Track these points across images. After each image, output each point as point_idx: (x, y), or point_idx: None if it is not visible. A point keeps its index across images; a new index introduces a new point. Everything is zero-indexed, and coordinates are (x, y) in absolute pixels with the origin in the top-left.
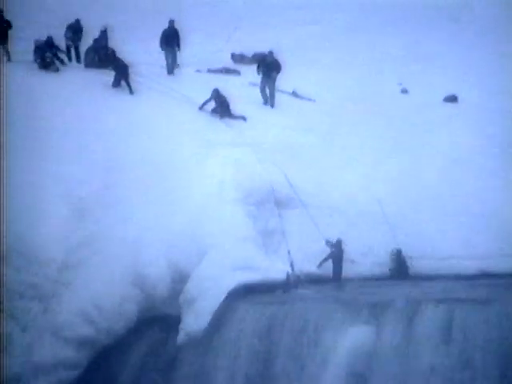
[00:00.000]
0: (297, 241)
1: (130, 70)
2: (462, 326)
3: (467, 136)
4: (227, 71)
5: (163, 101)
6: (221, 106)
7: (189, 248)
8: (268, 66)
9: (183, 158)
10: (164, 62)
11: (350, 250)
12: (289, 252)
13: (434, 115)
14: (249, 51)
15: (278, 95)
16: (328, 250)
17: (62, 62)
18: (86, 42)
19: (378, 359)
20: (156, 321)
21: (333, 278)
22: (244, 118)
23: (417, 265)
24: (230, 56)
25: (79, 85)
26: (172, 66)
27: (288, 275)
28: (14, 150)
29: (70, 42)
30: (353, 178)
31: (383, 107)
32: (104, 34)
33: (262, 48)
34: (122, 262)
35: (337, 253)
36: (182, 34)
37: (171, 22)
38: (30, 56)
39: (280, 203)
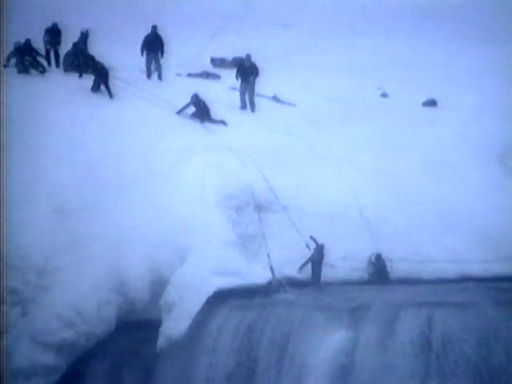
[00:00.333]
0: (277, 245)
1: (110, 74)
2: (441, 330)
3: (448, 139)
4: (207, 75)
5: (143, 106)
6: (201, 111)
7: (169, 252)
8: (246, 71)
9: (163, 162)
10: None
11: (329, 254)
12: (268, 256)
13: (414, 119)
14: (229, 55)
15: (258, 100)
16: (309, 254)
17: (41, 65)
18: (67, 46)
19: (358, 364)
20: (136, 324)
21: (312, 281)
22: (224, 123)
23: (397, 268)
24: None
25: (59, 89)
26: (159, 72)
27: (269, 280)
28: None
29: (49, 46)
30: (333, 182)
31: (363, 111)
32: (83, 37)
33: (243, 52)
34: (103, 266)
35: (317, 256)
36: (163, 39)
37: (154, 28)
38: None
39: (260, 207)
